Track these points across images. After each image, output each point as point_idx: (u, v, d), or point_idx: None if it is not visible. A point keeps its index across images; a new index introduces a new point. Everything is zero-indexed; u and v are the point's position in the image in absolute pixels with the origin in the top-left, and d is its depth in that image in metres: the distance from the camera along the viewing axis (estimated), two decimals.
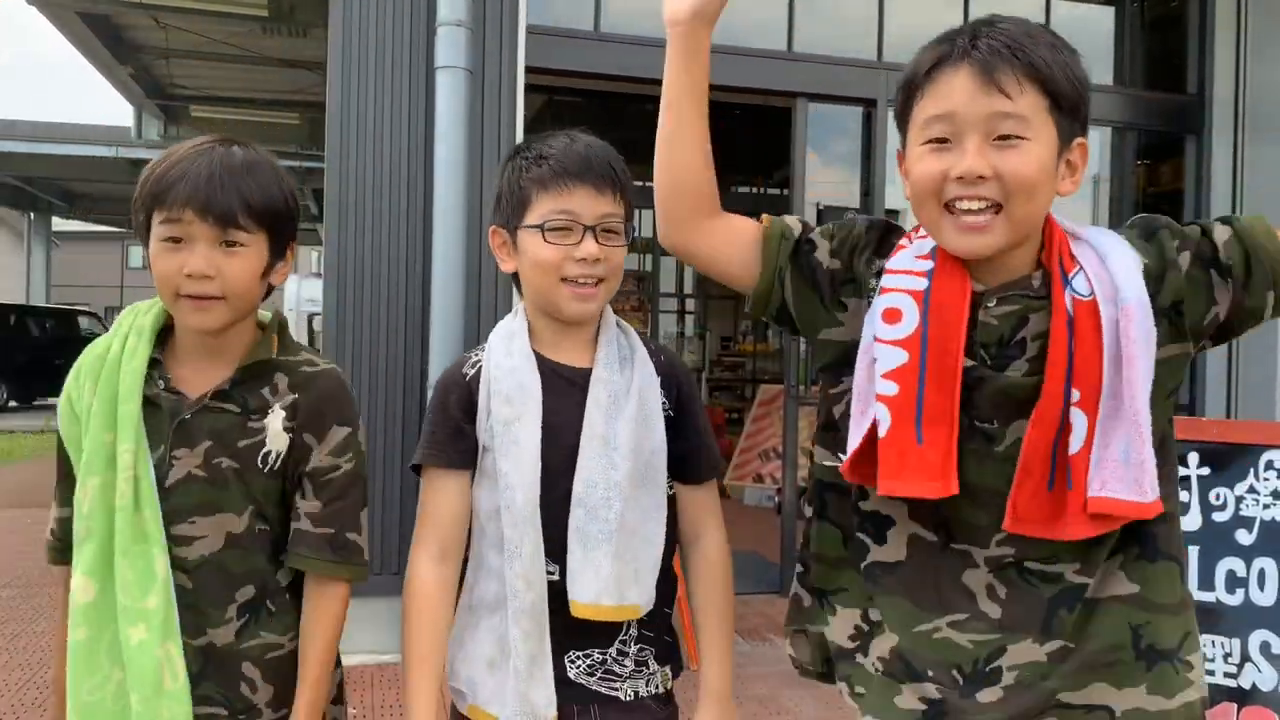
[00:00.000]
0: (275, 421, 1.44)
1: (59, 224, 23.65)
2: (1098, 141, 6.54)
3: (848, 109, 5.85)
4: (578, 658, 1.46)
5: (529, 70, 4.63)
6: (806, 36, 5.67)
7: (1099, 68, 6.44)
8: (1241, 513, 2.26)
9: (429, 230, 4.30)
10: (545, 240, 1.45)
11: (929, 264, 1.23)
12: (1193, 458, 2.30)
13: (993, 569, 1.23)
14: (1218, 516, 2.26)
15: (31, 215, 20.83)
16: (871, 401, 1.23)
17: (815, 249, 1.35)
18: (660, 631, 1.53)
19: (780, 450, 6.51)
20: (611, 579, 1.41)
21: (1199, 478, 2.28)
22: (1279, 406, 5.73)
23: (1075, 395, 1.15)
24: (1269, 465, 2.24)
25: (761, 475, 7.78)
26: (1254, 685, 2.20)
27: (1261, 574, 2.23)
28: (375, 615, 3.59)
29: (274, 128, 11.89)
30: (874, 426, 1.22)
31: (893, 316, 1.21)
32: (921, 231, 1.28)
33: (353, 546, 1.48)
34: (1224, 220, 1.23)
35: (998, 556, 1.23)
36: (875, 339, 1.23)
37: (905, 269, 1.24)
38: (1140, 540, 1.22)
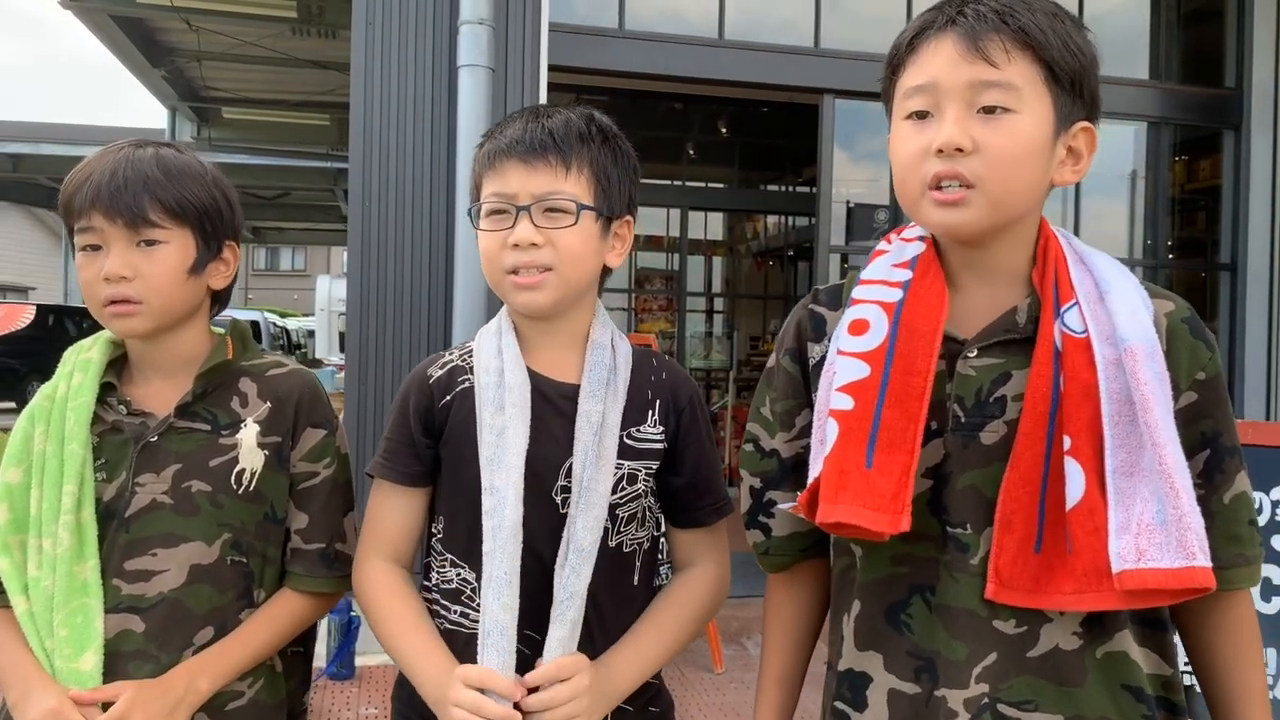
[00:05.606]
0: (249, 437, 1.35)
1: None
2: (1133, 136, 6.42)
3: (875, 105, 5.78)
4: None
5: (552, 68, 4.62)
6: (833, 33, 5.62)
7: (1135, 62, 6.32)
8: (1278, 518, 2.18)
9: (451, 228, 4.30)
10: (481, 228, 1.30)
11: (906, 274, 1.11)
12: None
13: (973, 713, 1.04)
14: None
15: None
16: (826, 420, 1.07)
17: (785, 414, 1.23)
18: (645, 702, 1.34)
19: None
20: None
21: None
22: None
23: (1067, 442, 1.00)
24: None
25: None
26: None
27: None
28: None
29: (304, 129, 11.99)
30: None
31: (859, 328, 1.09)
32: (905, 234, 1.18)
33: (343, 558, 1.42)
34: (1230, 453, 1.07)
35: (975, 697, 1.04)
36: (838, 351, 1.10)
37: (879, 279, 1.12)
38: None
